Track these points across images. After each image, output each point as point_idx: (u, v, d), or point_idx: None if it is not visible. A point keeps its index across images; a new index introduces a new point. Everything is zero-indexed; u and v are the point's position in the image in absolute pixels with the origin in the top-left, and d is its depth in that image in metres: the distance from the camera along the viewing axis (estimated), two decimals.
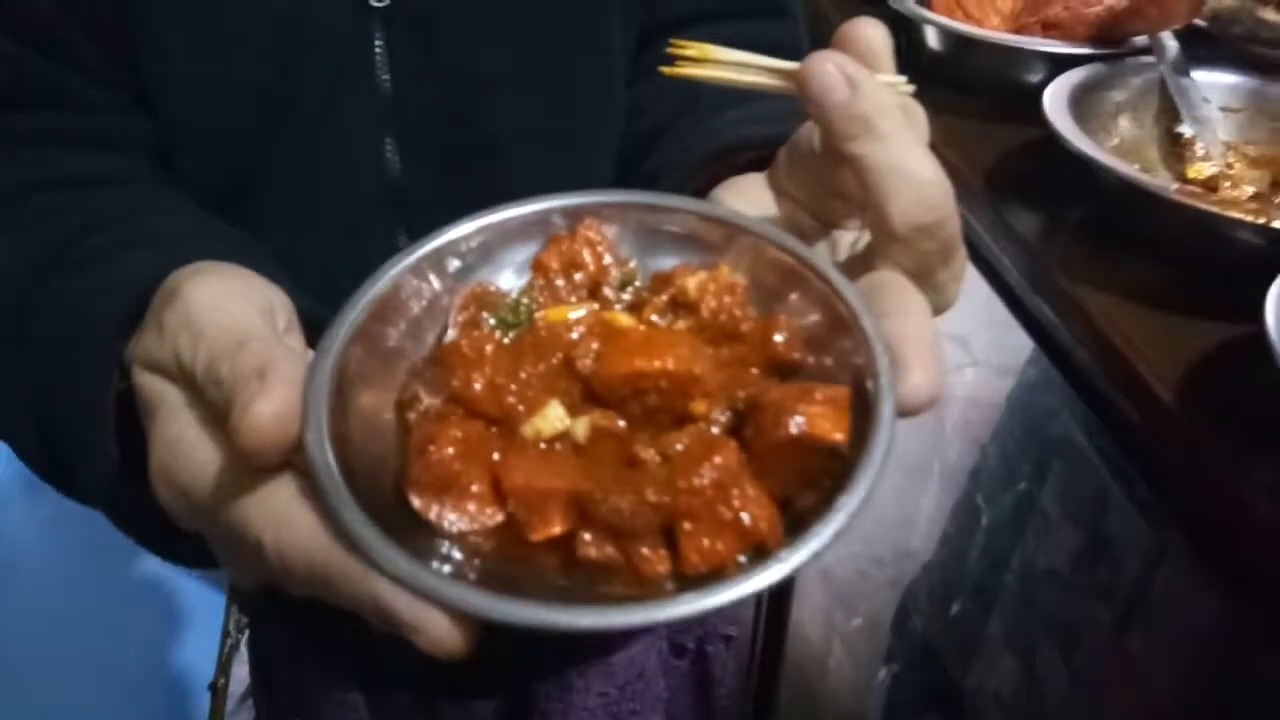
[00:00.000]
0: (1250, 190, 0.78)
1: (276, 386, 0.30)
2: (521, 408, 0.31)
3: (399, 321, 0.34)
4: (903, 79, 0.38)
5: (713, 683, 0.92)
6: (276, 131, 0.54)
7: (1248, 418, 0.59)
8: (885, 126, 0.34)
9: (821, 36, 0.63)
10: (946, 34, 0.93)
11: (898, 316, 0.33)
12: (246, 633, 0.93)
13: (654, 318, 0.35)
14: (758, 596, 0.27)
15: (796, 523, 0.29)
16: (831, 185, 0.38)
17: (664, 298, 0.35)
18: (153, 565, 1.05)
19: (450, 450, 0.30)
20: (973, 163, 0.84)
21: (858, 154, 0.34)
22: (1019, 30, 0.92)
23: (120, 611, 1.02)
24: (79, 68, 0.51)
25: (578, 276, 0.36)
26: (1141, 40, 0.85)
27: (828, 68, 0.35)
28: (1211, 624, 0.68)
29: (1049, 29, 0.89)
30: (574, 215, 0.37)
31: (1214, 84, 0.82)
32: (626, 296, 0.36)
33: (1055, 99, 0.76)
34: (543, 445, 0.31)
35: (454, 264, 0.36)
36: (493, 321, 0.35)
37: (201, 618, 0.99)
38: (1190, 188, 0.72)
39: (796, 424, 0.29)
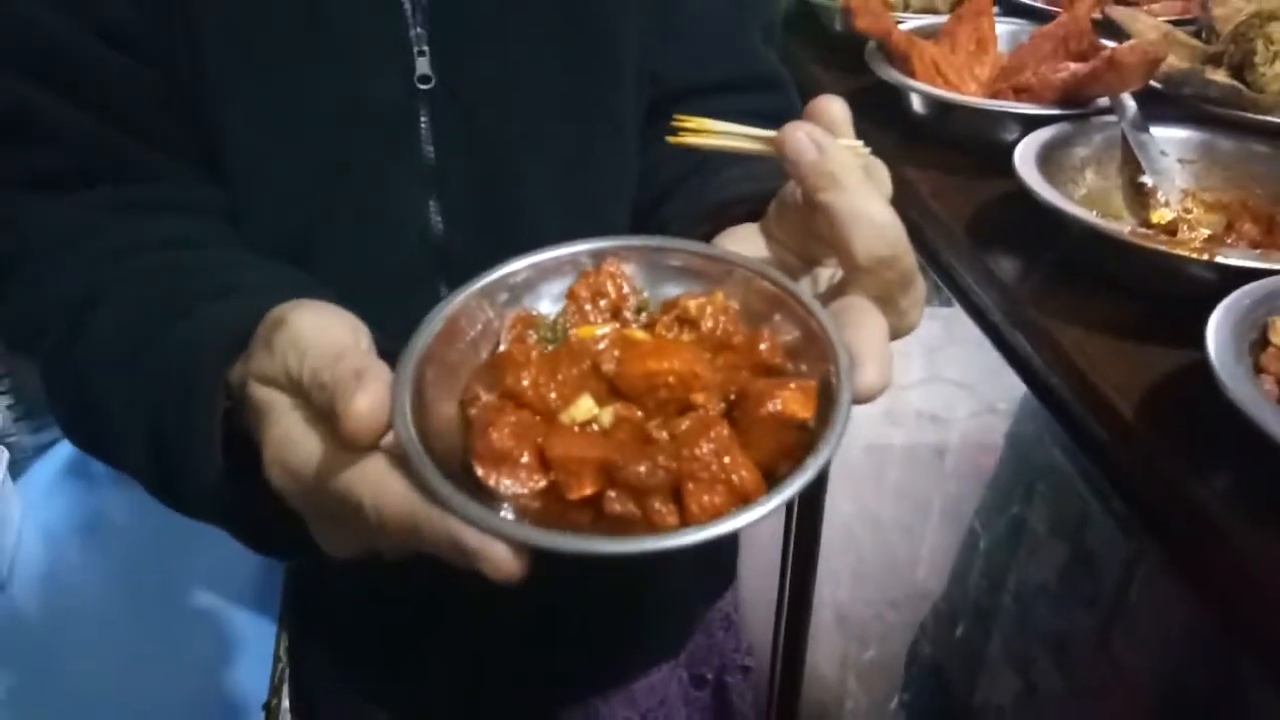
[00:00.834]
0: (1206, 233, 0.85)
1: (371, 384, 0.37)
2: (559, 401, 0.39)
3: (461, 340, 0.42)
4: (860, 143, 0.47)
5: (732, 713, 0.95)
6: (334, 198, 0.60)
7: (1200, 433, 0.65)
8: (847, 180, 0.42)
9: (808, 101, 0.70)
10: (929, 99, 0.99)
11: (857, 328, 0.41)
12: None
13: (663, 332, 0.43)
14: (740, 526, 0.35)
15: (776, 485, 0.36)
16: (811, 230, 0.46)
17: (671, 317, 0.43)
18: (207, 598, 1.09)
19: (506, 430, 0.37)
20: (956, 213, 0.90)
21: (826, 202, 0.43)
22: (994, 95, 0.99)
23: (177, 642, 1.05)
24: (160, 144, 0.58)
25: (602, 303, 0.44)
26: (1104, 101, 0.91)
27: (800, 135, 0.43)
28: (1184, 627, 0.73)
29: (1020, 93, 0.95)
30: (599, 256, 0.45)
31: (1170, 138, 0.88)
32: (642, 319, 0.45)
33: (1025, 155, 0.82)
34: (577, 429, 0.38)
35: (503, 295, 0.44)
36: (535, 338, 0.43)
37: (253, 645, 1.04)
38: (1144, 230, 0.79)
39: (774, 405, 0.37)
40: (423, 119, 0.60)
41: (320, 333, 0.42)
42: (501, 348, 0.43)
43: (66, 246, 0.55)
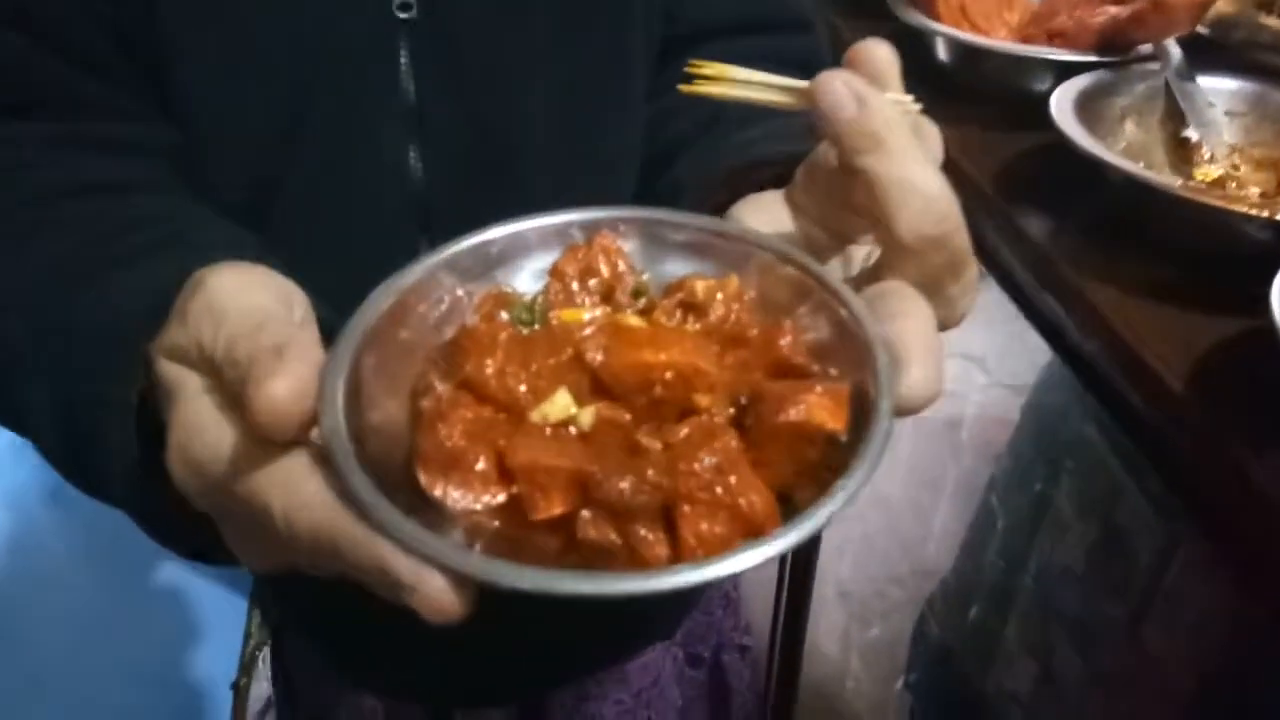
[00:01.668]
0: (1256, 191, 0.79)
1: (293, 362, 0.31)
2: (530, 396, 0.32)
3: (419, 318, 0.36)
4: (910, 98, 0.39)
5: (729, 693, 0.92)
6: (301, 140, 0.55)
7: (1256, 408, 0.60)
8: (892, 141, 0.35)
9: (834, 51, 0.65)
10: (956, 45, 0.94)
11: (899, 319, 0.34)
12: (269, 644, 0.94)
13: (663, 319, 0.36)
14: (748, 571, 0.28)
15: (794, 515, 0.30)
16: (845, 201, 0.39)
17: (674, 301, 0.36)
18: (175, 571, 1.06)
19: (459, 428, 0.31)
20: (982, 168, 0.85)
21: (866, 168, 0.36)
22: (1026, 40, 0.93)
23: (144, 616, 1.03)
24: (105, 76, 0.52)
25: (592, 283, 0.38)
26: (1146, 48, 0.86)
27: (837, 85, 0.36)
28: (1225, 614, 0.69)
29: (1055, 38, 0.90)
30: (592, 227, 0.38)
31: (1218, 89, 0.83)
32: (639, 304, 0.38)
33: (1062, 103, 0.77)
34: (549, 431, 0.32)
35: (476, 268, 0.37)
36: (508, 319, 0.36)
37: (223, 621, 1.00)
38: (1197, 184, 0.74)
39: (796, 411, 0.31)
40: (402, 54, 0.55)
41: (241, 298, 0.35)
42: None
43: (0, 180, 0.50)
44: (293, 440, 0.32)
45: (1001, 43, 0.93)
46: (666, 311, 0.36)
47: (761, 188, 0.44)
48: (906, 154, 0.36)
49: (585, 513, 0.30)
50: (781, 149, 0.46)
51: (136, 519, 0.43)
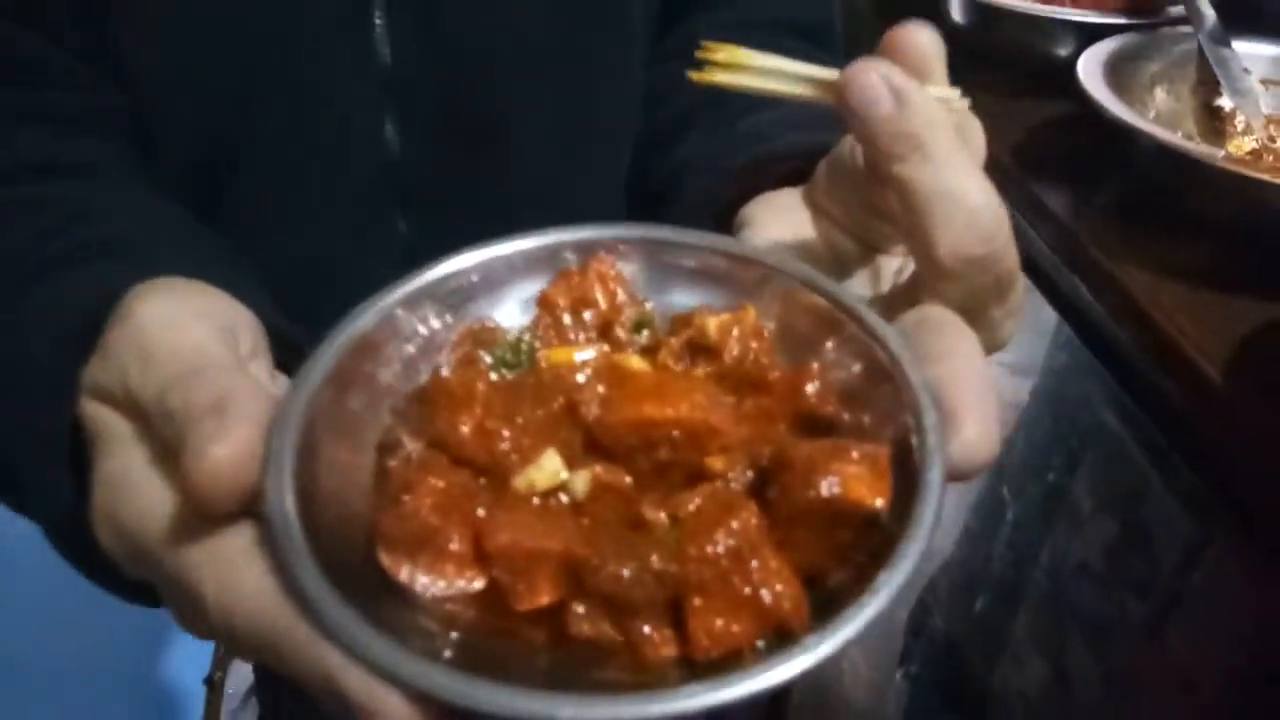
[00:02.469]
0: None
1: (235, 425, 0.27)
2: (515, 456, 0.28)
3: (387, 360, 0.31)
4: (957, 93, 0.34)
5: None
6: (263, 104, 0.51)
7: None
8: (934, 146, 0.31)
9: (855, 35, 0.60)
10: (972, 6, 0.90)
11: (946, 361, 0.29)
12: None
13: (670, 362, 0.32)
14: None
15: (825, 604, 0.25)
16: (875, 206, 0.35)
17: (682, 340, 0.32)
18: None
19: (428, 501, 0.27)
20: (1000, 138, 0.81)
21: (904, 176, 0.31)
22: (1046, 1, 0.89)
23: (114, 611, 0.99)
24: (50, 36, 0.48)
25: (587, 315, 0.33)
26: (1177, 9, 0.83)
27: (872, 78, 0.31)
28: (1257, 616, 0.65)
29: None
30: (586, 249, 0.34)
31: (1255, 55, 0.79)
32: (641, 339, 0.33)
33: (1089, 69, 0.73)
34: (536, 501, 0.28)
35: (452, 298, 0.33)
36: (489, 360, 0.32)
37: None
38: (1241, 156, 0.69)
39: (829, 485, 0.26)
40: (376, 12, 0.51)
41: (174, 333, 0.31)
42: (442, 373, 0.31)
43: None
44: (229, 514, 0.27)
45: (1021, 3, 0.89)
46: (673, 352, 0.32)
47: (778, 183, 0.40)
48: (950, 161, 0.31)
49: (578, 606, 0.26)
50: (802, 141, 0.41)
51: (67, 556, 0.39)
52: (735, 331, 0.31)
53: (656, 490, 0.28)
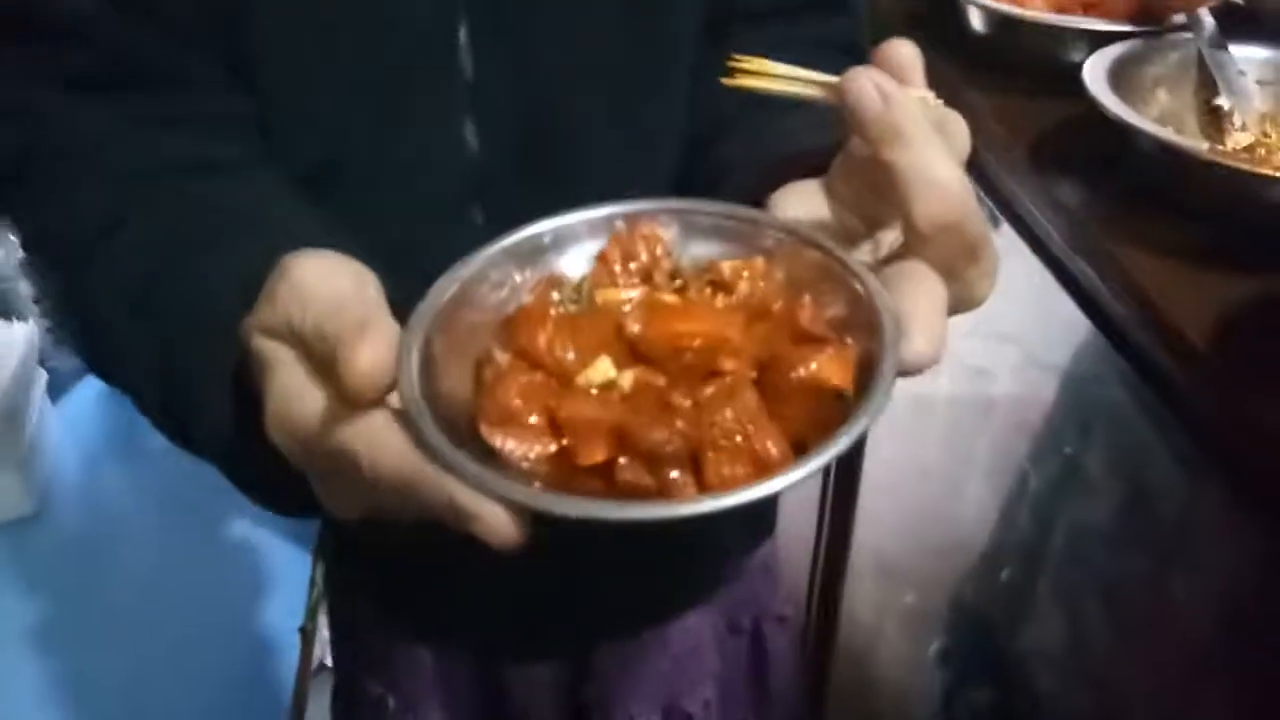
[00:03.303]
0: None
1: (375, 336, 0.35)
2: (577, 364, 0.37)
3: (483, 298, 0.40)
4: (931, 94, 0.43)
5: (768, 661, 0.93)
6: (363, 107, 0.57)
7: (1277, 364, 0.62)
8: (913, 134, 0.39)
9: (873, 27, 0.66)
10: (991, 15, 0.95)
11: (909, 294, 0.37)
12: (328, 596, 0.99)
13: (695, 297, 0.40)
14: (775, 496, 0.32)
15: (803, 458, 0.33)
16: (875, 189, 0.42)
17: (704, 280, 0.40)
18: (243, 525, 1.10)
19: (514, 389, 0.35)
20: (1018, 136, 0.87)
21: (888, 159, 0.39)
22: (1060, 11, 0.95)
23: (213, 567, 1.07)
24: (190, 47, 0.55)
25: (633, 266, 0.42)
26: (1179, 17, 0.87)
27: (864, 83, 0.40)
28: (1250, 564, 0.71)
29: (1089, 9, 0.92)
30: (634, 218, 0.42)
31: (1250, 57, 0.84)
32: (675, 284, 0.42)
33: (1094, 72, 0.79)
34: (594, 392, 0.36)
35: (531, 255, 0.42)
36: (558, 298, 0.41)
37: (289, 570, 1.04)
38: (1223, 149, 0.75)
39: (807, 369, 0.35)
40: (461, 31, 0.57)
41: (323, 282, 0.39)
42: (523, 302, 0.41)
43: (92, 153, 0.54)
44: (375, 402, 0.36)
45: (1037, 13, 0.94)
46: (698, 289, 0.40)
47: (803, 175, 0.47)
48: (926, 146, 0.39)
49: (623, 460, 0.34)
50: (821, 140, 0.48)
51: (226, 473, 0.48)
52: (746, 274, 0.40)
53: (682, 385, 0.36)
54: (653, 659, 0.83)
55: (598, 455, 0.34)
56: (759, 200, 0.46)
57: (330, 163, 0.58)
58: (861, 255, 0.43)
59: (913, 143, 0.39)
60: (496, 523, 0.33)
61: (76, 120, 0.54)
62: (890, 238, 0.44)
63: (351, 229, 0.49)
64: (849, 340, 0.37)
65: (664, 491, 0.34)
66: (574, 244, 0.42)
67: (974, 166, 0.94)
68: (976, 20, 0.98)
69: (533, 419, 0.35)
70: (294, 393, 0.39)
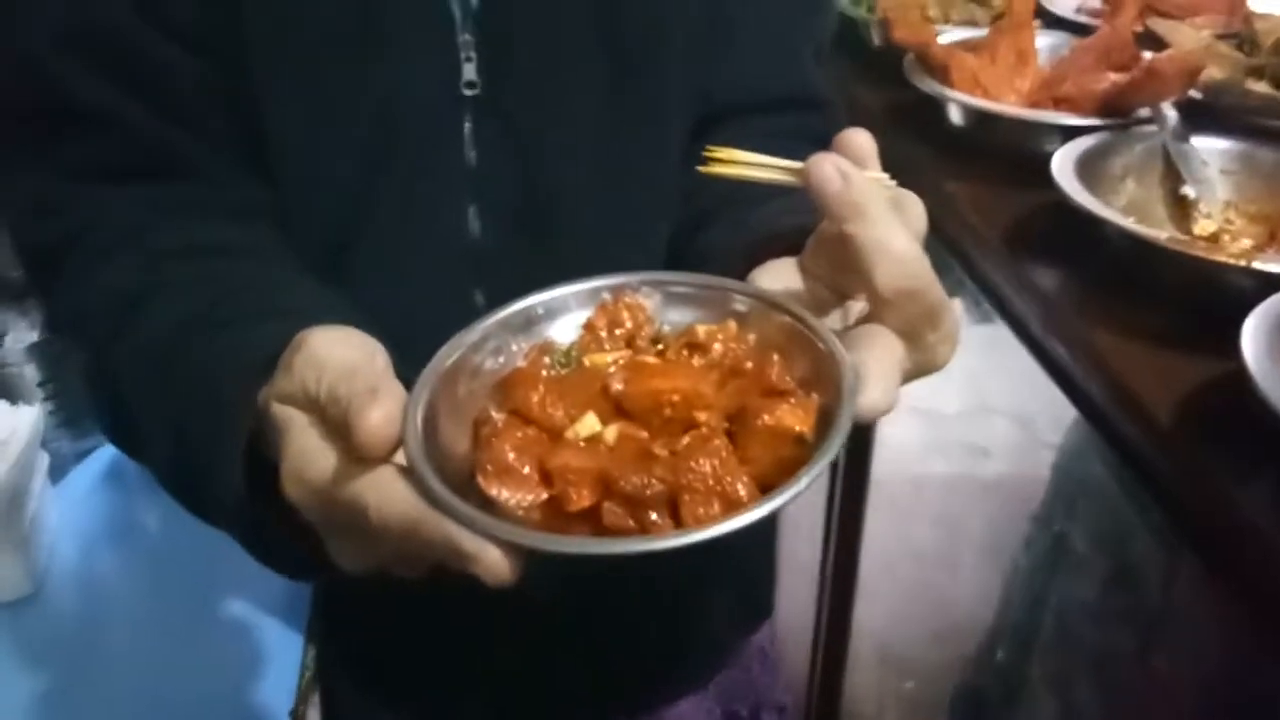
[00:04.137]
0: (1249, 243, 0.84)
1: (384, 398, 0.39)
2: (566, 420, 0.40)
3: (480, 365, 0.44)
4: (886, 175, 0.47)
5: None
6: (375, 198, 0.61)
7: (1240, 440, 0.64)
8: (871, 210, 0.42)
9: (853, 120, 0.70)
10: (968, 110, 1.00)
11: (867, 349, 0.41)
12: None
13: (672, 356, 0.43)
14: (749, 528, 0.35)
15: (768, 496, 0.36)
16: (841, 263, 0.46)
17: (681, 342, 0.44)
18: (235, 607, 1.10)
19: (509, 444, 0.39)
20: (995, 225, 0.90)
21: (850, 233, 0.43)
22: (1034, 105, 0.99)
23: (206, 648, 1.06)
24: (213, 141, 0.59)
25: (618, 332, 0.45)
26: (1145, 111, 0.91)
27: (825, 166, 0.43)
28: (1225, 639, 0.71)
29: (1061, 104, 0.95)
30: (618, 290, 0.47)
31: (1211, 149, 0.88)
32: (656, 347, 0.45)
33: (1063, 164, 0.82)
34: (581, 444, 0.39)
35: (525, 325, 0.46)
36: (549, 362, 0.44)
37: (281, 653, 1.04)
38: (1181, 237, 0.78)
39: (771, 416, 0.38)
40: (466, 124, 0.61)
41: (337, 351, 0.43)
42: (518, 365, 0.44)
43: (122, 240, 0.57)
44: (383, 458, 0.39)
45: (1011, 108, 0.99)
46: (676, 351, 0.44)
47: (779, 254, 0.51)
48: (882, 220, 0.42)
49: (608, 504, 0.37)
50: (797, 222, 0.52)
51: (234, 532, 0.50)
52: (720, 336, 0.43)
53: (662, 437, 0.39)
54: None
55: (585, 501, 0.37)
56: (741, 277, 0.50)
57: (341, 247, 0.62)
58: (832, 322, 0.46)
59: (871, 218, 0.42)
60: (493, 561, 0.36)
61: (112, 211, 0.58)
62: (858, 307, 0.47)
63: (360, 310, 0.52)
64: (813, 394, 0.40)
65: (645, 532, 0.37)
66: (564, 314, 0.46)
67: (954, 251, 0.98)
68: (955, 114, 1.02)
69: (525, 470, 0.38)
70: (309, 451, 0.42)
